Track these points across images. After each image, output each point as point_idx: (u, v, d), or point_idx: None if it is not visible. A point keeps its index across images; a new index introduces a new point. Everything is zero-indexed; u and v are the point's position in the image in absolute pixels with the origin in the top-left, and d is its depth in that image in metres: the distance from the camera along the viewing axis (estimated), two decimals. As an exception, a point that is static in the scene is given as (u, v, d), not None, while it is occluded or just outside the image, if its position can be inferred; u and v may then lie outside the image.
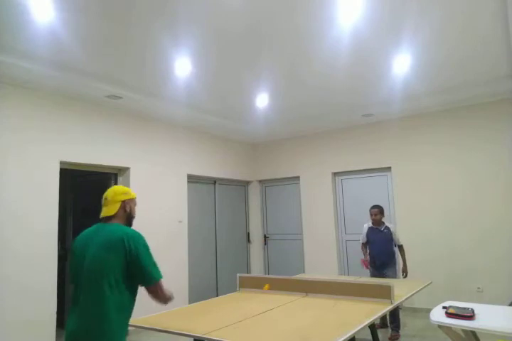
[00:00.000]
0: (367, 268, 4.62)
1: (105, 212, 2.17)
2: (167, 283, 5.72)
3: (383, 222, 4.65)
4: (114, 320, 1.93)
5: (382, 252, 4.54)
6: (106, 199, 2.21)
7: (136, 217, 2.34)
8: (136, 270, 2.00)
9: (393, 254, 4.56)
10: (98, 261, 1.96)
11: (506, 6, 2.95)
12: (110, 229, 2.06)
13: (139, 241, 2.03)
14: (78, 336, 1.90)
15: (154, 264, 2.07)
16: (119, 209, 2.19)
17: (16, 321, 3.76)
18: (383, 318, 4.59)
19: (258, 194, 7.44)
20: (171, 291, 2.12)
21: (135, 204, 2.31)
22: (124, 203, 2.21)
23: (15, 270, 3.82)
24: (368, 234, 4.70)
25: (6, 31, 3.05)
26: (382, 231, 4.60)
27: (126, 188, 2.28)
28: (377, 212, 4.62)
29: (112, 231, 2.04)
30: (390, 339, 4.27)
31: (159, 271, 2.09)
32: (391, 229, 4.57)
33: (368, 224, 4.74)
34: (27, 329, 3.84)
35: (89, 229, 2.16)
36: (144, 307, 5.03)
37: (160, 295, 2.07)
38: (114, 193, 2.21)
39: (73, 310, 1.98)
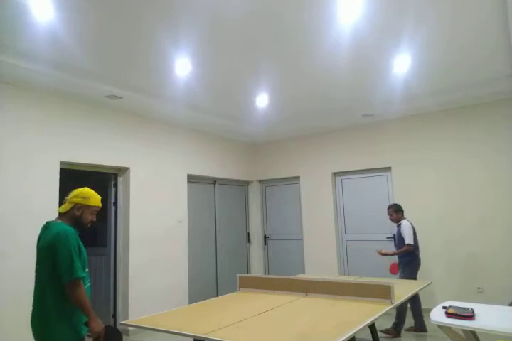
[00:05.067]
0: (392, 273, 4.61)
1: (60, 208, 2.33)
2: (167, 283, 5.71)
3: (402, 219, 4.71)
4: (52, 316, 2.10)
5: (396, 248, 4.67)
6: (66, 196, 2.34)
7: (88, 225, 2.37)
8: (56, 268, 2.12)
9: (405, 253, 4.53)
10: (41, 261, 2.18)
11: (506, 7, 2.95)
12: (51, 229, 2.21)
13: (60, 240, 2.13)
14: (32, 325, 2.16)
15: (69, 264, 2.10)
16: (70, 210, 2.30)
17: (15, 322, 3.75)
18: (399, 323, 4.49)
19: (258, 194, 7.44)
20: (83, 299, 2.11)
21: (91, 213, 2.36)
22: (76, 206, 2.30)
23: (15, 271, 3.82)
24: None
25: (6, 31, 3.05)
26: (396, 228, 4.72)
27: (90, 194, 2.35)
28: (391, 211, 4.76)
29: (50, 231, 2.20)
30: (382, 331, 4.36)
31: (73, 272, 2.10)
32: (401, 227, 4.61)
33: None
34: (26, 330, 3.83)
35: (43, 226, 2.30)
36: (143, 307, 5.02)
37: (70, 295, 2.10)
38: (74, 194, 2.33)
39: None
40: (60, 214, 2.32)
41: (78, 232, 2.34)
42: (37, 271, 2.20)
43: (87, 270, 2.26)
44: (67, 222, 2.26)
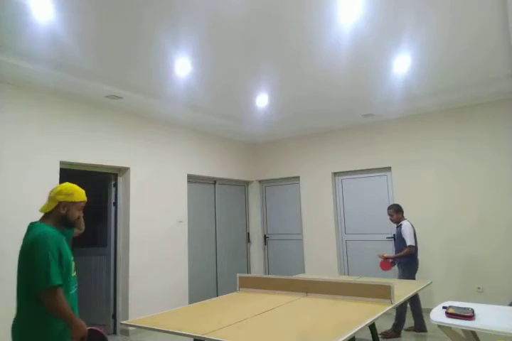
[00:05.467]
0: (384, 269, 4.60)
1: (42, 208, 2.18)
2: (167, 283, 5.70)
3: (403, 220, 4.68)
4: (27, 325, 1.99)
5: (396, 250, 4.64)
6: (49, 194, 2.18)
7: (75, 222, 2.23)
8: (29, 274, 1.99)
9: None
10: (19, 266, 2.06)
11: (506, 7, 2.95)
12: (32, 232, 2.07)
13: (38, 243, 1.98)
14: (12, 332, 2.03)
15: (44, 271, 1.94)
16: (54, 209, 2.15)
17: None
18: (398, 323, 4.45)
19: (258, 194, 7.44)
20: (62, 308, 1.96)
21: (78, 209, 2.21)
22: (60, 204, 2.15)
23: (15, 271, 3.82)
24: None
25: (6, 31, 3.05)
26: (396, 229, 4.70)
27: (73, 189, 2.19)
28: (391, 212, 4.72)
29: (30, 235, 2.05)
30: (381, 333, 4.34)
31: (48, 279, 1.93)
32: (401, 228, 4.58)
33: None
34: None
35: (27, 227, 2.15)
36: (143, 307, 5.02)
37: (47, 305, 1.95)
38: (57, 191, 2.16)
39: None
40: (44, 214, 2.16)
41: (70, 230, 2.23)
42: (17, 274, 2.07)
43: (73, 274, 2.14)
44: (51, 223, 2.12)
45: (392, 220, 4.75)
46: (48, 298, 1.94)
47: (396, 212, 4.70)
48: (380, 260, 4.63)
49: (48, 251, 1.97)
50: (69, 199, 2.16)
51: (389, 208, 4.78)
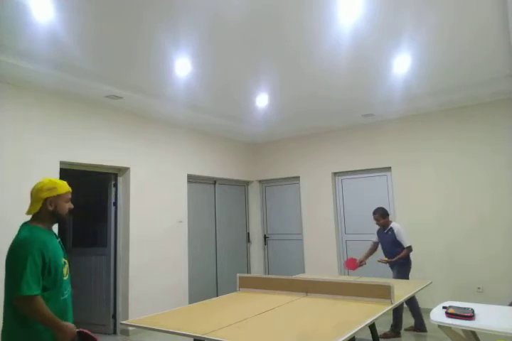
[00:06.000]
0: (349, 268, 4.65)
1: (28, 210, 2.07)
2: (167, 283, 5.71)
3: (390, 223, 4.60)
4: (13, 328, 1.91)
5: (387, 254, 4.58)
6: (30, 194, 2.08)
7: (67, 215, 2.13)
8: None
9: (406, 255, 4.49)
10: (5, 270, 1.96)
11: (506, 7, 2.95)
12: (17, 235, 1.99)
13: (18, 248, 1.90)
14: (1, 337, 1.95)
15: (17, 278, 1.84)
16: (41, 208, 2.04)
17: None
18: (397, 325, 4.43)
19: (258, 194, 7.44)
20: (39, 314, 1.86)
21: (66, 201, 2.11)
22: (46, 201, 2.04)
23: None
24: (377, 234, 4.74)
25: (6, 31, 3.05)
26: (386, 233, 4.59)
27: (53, 182, 2.08)
28: (377, 217, 4.60)
29: (15, 238, 1.97)
30: (381, 335, 4.31)
31: (17, 288, 1.83)
32: (394, 231, 4.51)
33: None
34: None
35: (19, 228, 2.08)
36: (143, 307, 5.02)
37: (23, 312, 1.87)
38: (37, 190, 2.05)
39: None
40: (32, 216, 2.07)
41: (64, 225, 2.18)
42: (4, 278, 1.98)
43: (66, 277, 2.05)
44: (39, 223, 2.03)
45: (379, 225, 4.64)
46: (20, 307, 1.86)
47: (383, 217, 4.58)
48: (346, 259, 4.70)
49: (28, 256, 1.86)
50: (53, 193, 2.05)
51: (374, 213, 4.61)
